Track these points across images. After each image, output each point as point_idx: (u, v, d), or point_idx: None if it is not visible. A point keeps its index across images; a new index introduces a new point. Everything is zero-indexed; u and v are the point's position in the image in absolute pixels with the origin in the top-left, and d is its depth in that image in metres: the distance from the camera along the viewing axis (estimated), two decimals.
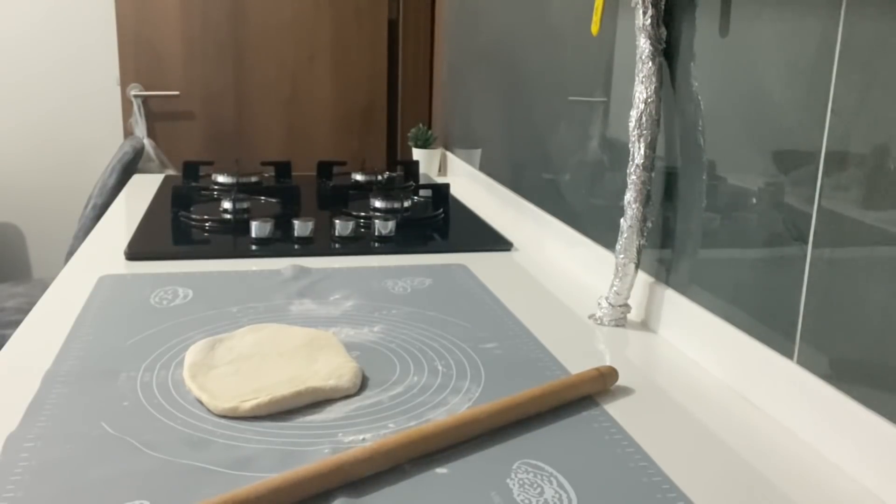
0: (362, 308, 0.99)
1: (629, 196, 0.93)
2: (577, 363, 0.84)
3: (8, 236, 2.88)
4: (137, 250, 1.21)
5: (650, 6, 0.90)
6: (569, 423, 0.71)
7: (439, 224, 1.48)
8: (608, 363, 0.90)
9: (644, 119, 0.91)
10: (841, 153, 0.68)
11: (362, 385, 0.77)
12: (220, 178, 1.62)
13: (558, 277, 1.17)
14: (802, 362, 0.73)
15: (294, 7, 2.34)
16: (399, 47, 2.31)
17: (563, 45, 1.31)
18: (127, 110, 2.33)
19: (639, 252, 0.94)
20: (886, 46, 0.63)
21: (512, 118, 1.56)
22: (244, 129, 2.36)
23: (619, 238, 0.95)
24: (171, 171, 2.15)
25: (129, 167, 2.11)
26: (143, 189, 1.70)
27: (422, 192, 1.61)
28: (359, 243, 1.30)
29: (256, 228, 1.29)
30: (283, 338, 0.85)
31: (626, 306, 0.97)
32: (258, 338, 0.85)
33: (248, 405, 0.71)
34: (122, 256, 1.19)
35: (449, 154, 2.02)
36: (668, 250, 0.96)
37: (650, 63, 0.91)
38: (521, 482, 0.61)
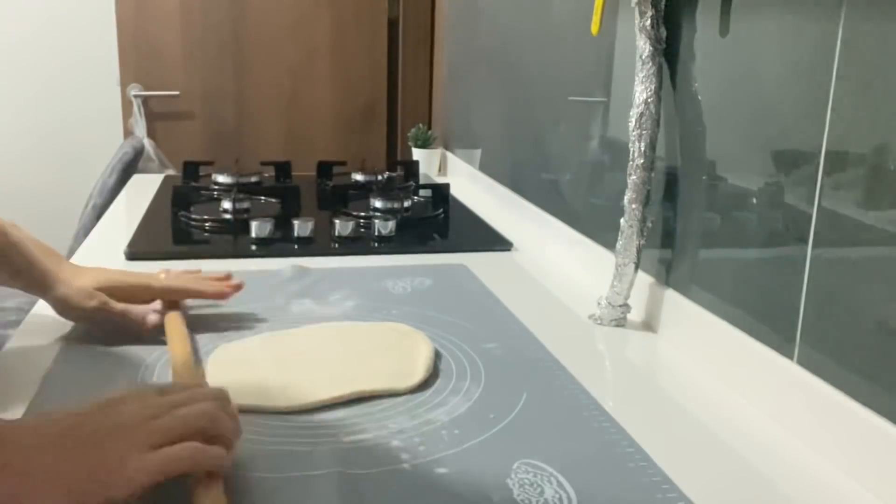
0: (362, 308, 0.99)
1: (629, 196, 0.93)
2: (577, 363, 0.84)
3: None
4: (137, 250, 1.21)
5: (650, 6, 0.90)
6: (569, 423, 0.71)
7: (439, 224, 1.48)
8: (608, 363, 0.90)
9: (644, 119, 0.91)
10: (841, 153, 0.68)
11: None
12: (220, 178, 1.61)
13: (558, 277, 1.17)
14: (802, 362, 0.73)
15: (294, 7, 2.33)
16: (399, 47, 2.31)
17: (563, 45, 1.31)
18: (127, 110, 2.33)
19: (639, 252, 0.94)
20: (886, 46, 0.63)
21: (512, 118, 1.56)
22: (244, 129, 2.36)
23: (619, 238, 0.95)
24: (171, 171, 2.14)
25: (129, 167, 2.10)
26: (143, 189, 1.70)
27: (422, 192, 1.61)
28: (359, 243, 1.30)
29: (256, 228, 1.29)
30: (351, 336, 0.87)
31: (626, 306, 0.97)
32: (318, 335, 0.87)
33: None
34: (123, 256, 1.19)
35: (449, 154, 2.02)
36: (668, 250, 0.96)
37: (650, 63, 0.91)
38: (521, 482, 0.61)
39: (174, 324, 0.87)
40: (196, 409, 0.57)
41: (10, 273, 0.84)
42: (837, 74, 0.68)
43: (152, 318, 0.87)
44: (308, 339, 0.86)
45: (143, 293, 0.90)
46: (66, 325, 0.90)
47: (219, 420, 0.58)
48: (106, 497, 0.51)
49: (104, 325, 0.86)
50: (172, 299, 0.91)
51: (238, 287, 0.95)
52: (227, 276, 0.97)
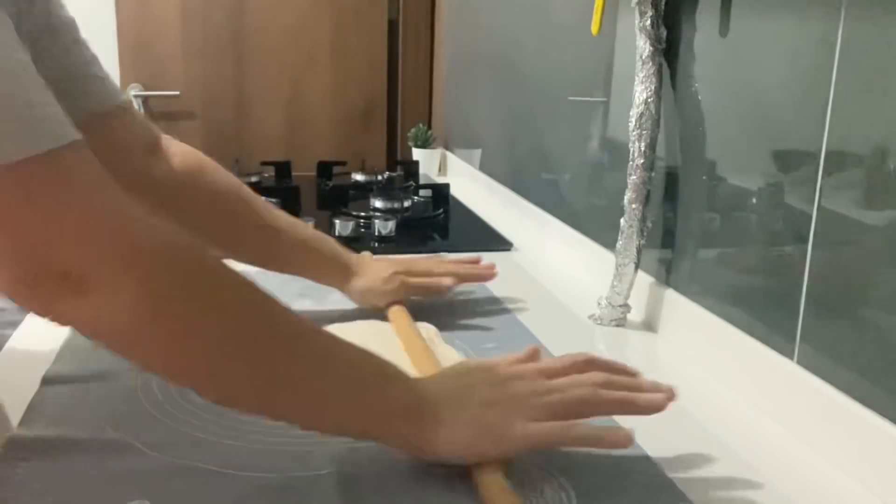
0: (362, 308, 0.99)
1: (629, 196, 0.93)
2: None
3: None
4: None
5: (650, 6, 0.90)
6: None
7: (439, 224, 1.48)
8: None
9: (644, 119, 0.91)
10: (841, 153, 0.68)
11: None
12: None
13: (558, 277, 1.17)
14: (802, 362, 0.73)
15: (294, 7, 2.33)
16: (399, 47, 2.31)
17: (563, 45, 1.31)
18: None
19: (639, 252, 0.94)
20: (886, 46, 0.63)
21: (512, 118, 1.56)
22: (244, 129, 2.36)
23: (619, 238, 0.95)
24: None
25: None
26: None
27: (422, 192, 1.60)
28: (359, 243, 1.30)
29: None
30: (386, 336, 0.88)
31: (626, 306, 0.97)
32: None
33: None
34: None
35: (449, 154, 2.02)
36: (668, 250, 0.96)
37: (650, 63, 0.91)
38: (521, 482, 0.61)
39: (401, 317, 0.91)
40: (576, 394, 0.63)
41: (315, 265, 0.95)
42: (837, 74, 0.68)
43: (447, 281, 0.96)
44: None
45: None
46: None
47: (596, 405, 0.63)
48: (497, 451, 0.60)
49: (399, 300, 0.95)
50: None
51: (491, 268, 1.02)
52: (478, 260, 1.05)
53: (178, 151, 0.88)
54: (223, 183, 0.91)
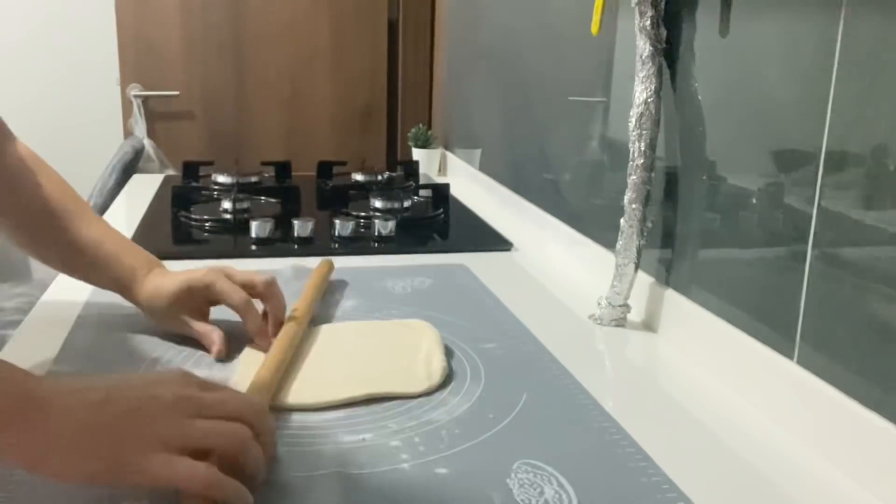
0: (362, 308, 0.99)
1: (629, 196, 0.93)
2: (577, 363, 0.84)
3: None
4: None
5: (650, 6, 0.90)
6: (569, 423, 0.71)
7: (439, 224, 1.48)
8: (608, 363, 0.90)
9: (644, 119, 0.91)
10: (841, 153, 0.68)
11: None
12: (220, 178, 1.61)
13: (558, 277, 1.17)
14: (802, 362, 0.73)
15: (294, 7, 2.33)
16: (399, 47, 2.31)
17: (563, 45, 1.31)
18: (127, 110, 2.33)
19: (639, 252, 0.94)
20: (886, 46, 0.63)
21: (512, 118, 1.56)
22: (244, 129, 2.36)
23: (619, 238, 0.95)
24: (171, 171, 2.14)
25: (129, 167, 2.10)
26: (143, 189, 1.70)
27: (422, 192, 1.61)
28: (359, 243, 1.30)
29: (256, 228, 1.29)
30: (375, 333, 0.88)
31: (626, 306, 0.97)
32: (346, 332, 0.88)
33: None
34: None
35: (449, 154, 2.02)
36: (668, 250, 0.96)
37: (650, 63, 0.91)
38: (520, 482, 0.61)
39: (289, 329, 0.84)
40: (229, 430, 0.56)
41: (99, 282, 0.90)
42: (837, 74, 0.68)
43: (215, 350, 0.83)
44: (329, 336, 0.87)
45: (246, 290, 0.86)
46: (66, 326, 0.90)
47: (247, 451, 0.56)
48: (115, 480, 0.52)
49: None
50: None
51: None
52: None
53: (23, 151, 0.88)
54: (41, 194, 0.87)
